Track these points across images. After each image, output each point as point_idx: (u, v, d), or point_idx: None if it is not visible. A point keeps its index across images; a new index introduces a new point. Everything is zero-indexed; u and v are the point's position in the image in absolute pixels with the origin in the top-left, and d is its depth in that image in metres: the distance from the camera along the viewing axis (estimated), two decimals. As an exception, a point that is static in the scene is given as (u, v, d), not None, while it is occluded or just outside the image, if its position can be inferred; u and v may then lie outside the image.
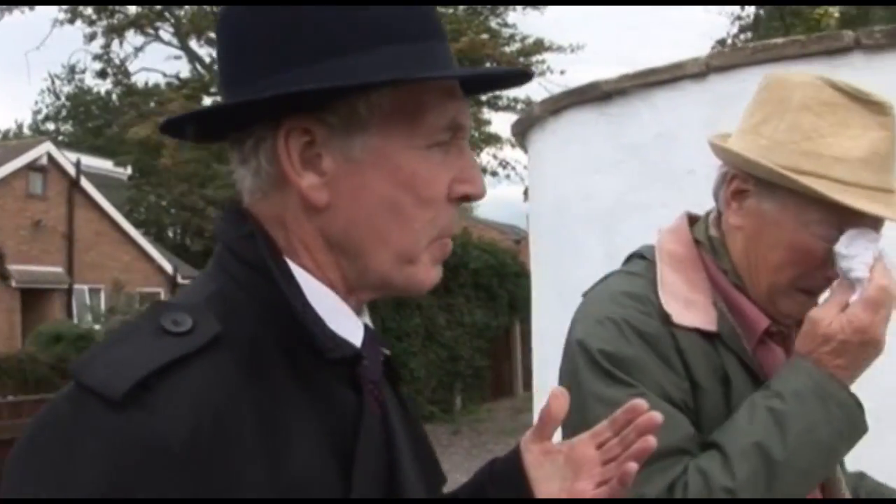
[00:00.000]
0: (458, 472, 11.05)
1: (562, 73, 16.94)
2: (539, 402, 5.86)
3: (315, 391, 1.08)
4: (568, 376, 1.72)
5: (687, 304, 1.72)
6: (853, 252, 1.62)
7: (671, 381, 1.67)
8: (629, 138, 4.69)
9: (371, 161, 1.08)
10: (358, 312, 1.18)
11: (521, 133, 6.01)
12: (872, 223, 1.66)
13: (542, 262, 5.65)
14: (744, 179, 1.72)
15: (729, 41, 15.66)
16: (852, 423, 1.63)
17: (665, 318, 1.70)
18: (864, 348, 1.62)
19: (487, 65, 16.33)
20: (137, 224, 30.85)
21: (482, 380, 17.72)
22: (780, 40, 4.33)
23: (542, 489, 1.34)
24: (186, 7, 25.89)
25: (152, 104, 28.97)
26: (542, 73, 16.86)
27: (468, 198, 1.15)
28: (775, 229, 1.70)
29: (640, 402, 1.31)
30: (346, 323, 1.14)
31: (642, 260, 1.83)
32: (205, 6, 23.98)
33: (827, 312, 1.64)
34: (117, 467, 0.90)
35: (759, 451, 1.58)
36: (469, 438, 14.40)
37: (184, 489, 0.92)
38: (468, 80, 1.17)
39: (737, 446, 1.59)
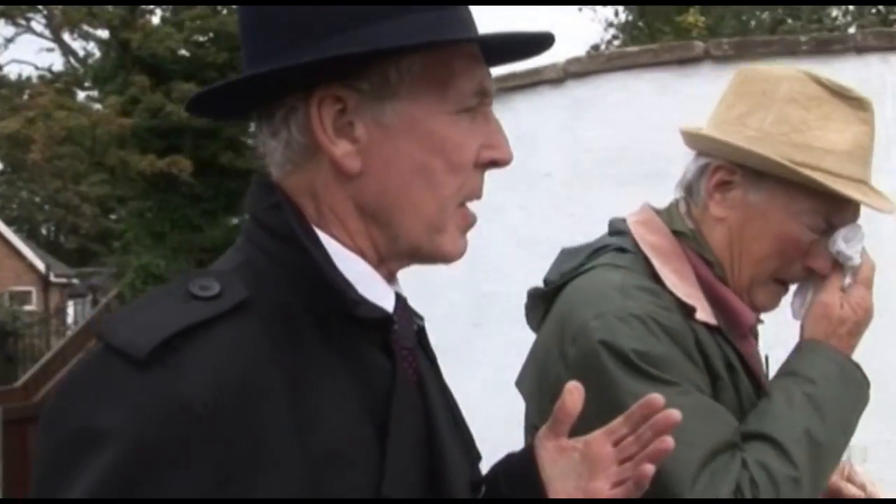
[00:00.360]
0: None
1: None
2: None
3: (348, 356, 1.08)
4: (590, 378, 1.52)
5: (688, 298, 1.70)
6: (854, 245, 1.70)
7: (699, 377, 1.65)
8: (489, 141, 4.74)
9: (403, 127, 1.08)
10: (389, 282, 1.17)
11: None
12: (853, 214, 1.72)
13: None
14: (730, 171, 1.72)
15: (603, 47, 15.99)
16: (863, 400, 1.71)
17: (688, 311, 1.68)
18: (867, 325, 1.73)
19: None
20: (9, 221, 29.94)
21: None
22: (635, 48, 4.46)
23: (557, 487, 1.32)
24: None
25: (25, 97, 28.10)
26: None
27: (496, 163, 1.15)
28: (762, 220, 1.71)
29: (657, 397, 1.28)
30: (378, 289, 1.13)
31: (623, 253, 1.77)
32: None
33: (834, 297, 1.70)
34: (140, 425, 0.91)
35: (809, 437, 1.61)
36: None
37: (206, 449, 0.92)
38: (488, 50, 1.16)
39: (789, 435, 1.61)
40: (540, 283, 1.84)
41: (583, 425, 1.48)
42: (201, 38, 15.80)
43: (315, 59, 1.04)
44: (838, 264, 1.71)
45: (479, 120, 1.13)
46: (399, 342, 1.14)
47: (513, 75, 4.71)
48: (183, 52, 15.63)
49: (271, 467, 0.96)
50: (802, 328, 1.74)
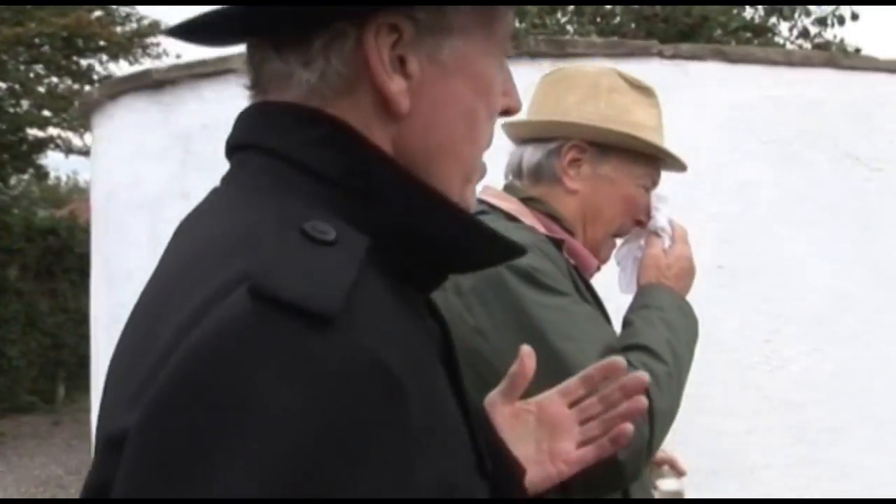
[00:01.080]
0: (56, 465, 10.65)
1: (178, 56, 16.54)
2: (97, 385, 5.75)
3: (419, 318, 0.97)
4: (492, 297, 1.81)
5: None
6: (662, 210, 2.10)
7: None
8: (177, 127, 4.75)
9: (456, 66, 0.96)
10: None
11: (86, 115, 5.92)
12: (660, 178, 2.14)
13: (98, 249, 5.60)
14: (581, 149, 2.02)
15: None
16: (696, 333, 2.03)
17: (557, 245, 1.93)
18: (690, 272, 2.09)
19: (102, 43, 15.74)
20: None
21: (88, 368, 17.07)
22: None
23: (520, 450, 1.28)
24: None
25: None
26: (157, 57, 16.55)
27: (509, 112, 1.07)
28: (611, 187, 2.04)
29: (620, 361, 1.34)
30: None
31: (485, 214, 1.96)
32: None
33: (659, 251, 2.07)
34: (344, 395, 0.71)
35: (670, 345, 1.89)
36: (70, 429, 13.88)
37: (407, 419, 0.75)
38: None
39: (656, 343, 1.88)
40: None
41: (496, 337, 1.70)
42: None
43: None
44: (659, 236, 2.09)
45: (500, 65, 1.05)
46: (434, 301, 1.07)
47: (201, 63, 4.72)
48: None
49: (442, 438, 0.85)
50: (638, 280, 2.09)
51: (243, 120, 0.99)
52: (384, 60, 0.91)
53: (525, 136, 2.10)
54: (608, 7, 11.99)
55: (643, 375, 1.35)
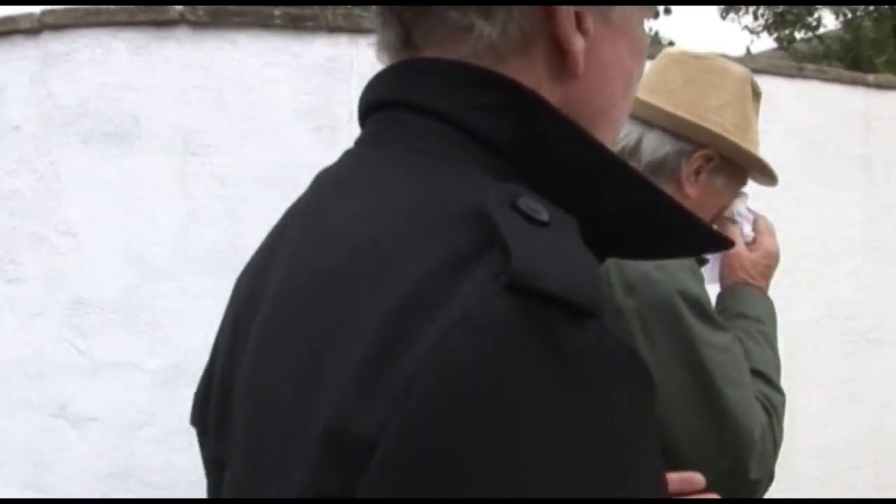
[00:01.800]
0: None
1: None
2: None
3: None
4: (661, 325, 1.71)
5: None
6: (741, 207, 2.06)
7: None
8: (-40, 89, 4.54)
9: (622, 26, 0.90)
10: None
11: None
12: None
13: None
14: (709, 158, 1.93)
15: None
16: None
17: (701, 263, 1.91)
18: (775, 266, 2.04)
19: None
20: None
21: None
22: (113, 7, 4.42)
23: None
24: None
25: None
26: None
27: None
28: (717, 197, 1.98)
29: (699, 478, 1.35)
30: None
31: None
32: None
33: (741, 248, 2.02)
34: (623, 396, 0.66)
35: (776, 366, 1.88)
36: None
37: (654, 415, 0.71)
38: None
39: (767, 367, 1.86)
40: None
41: (656, 369, 1.65)
42: None
43: None
44: (735, 222, 2.06)
45: None
46: None
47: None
48: None
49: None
50: (722, 277, 2.05)
51: (394, 76, 0.89)
52: (571, 14, 0.84)
53: (655, 121, 1.98)
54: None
55: (715, 498, 1.39)
